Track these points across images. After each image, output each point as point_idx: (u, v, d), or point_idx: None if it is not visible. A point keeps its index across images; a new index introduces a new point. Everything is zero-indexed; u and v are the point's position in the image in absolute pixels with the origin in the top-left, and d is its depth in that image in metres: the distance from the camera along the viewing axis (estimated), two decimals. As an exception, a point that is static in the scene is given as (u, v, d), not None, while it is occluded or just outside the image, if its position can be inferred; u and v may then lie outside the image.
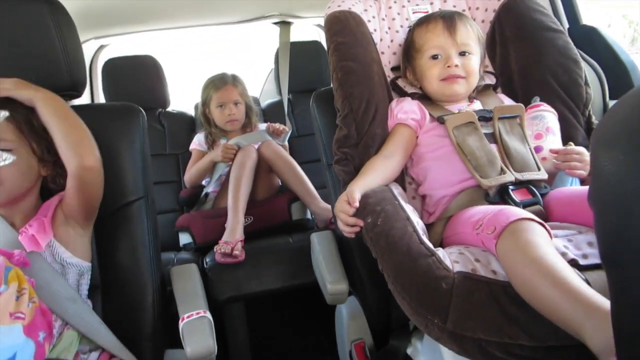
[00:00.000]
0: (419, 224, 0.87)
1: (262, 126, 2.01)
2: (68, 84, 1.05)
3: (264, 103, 2.39)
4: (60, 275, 0.92)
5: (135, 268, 1.05)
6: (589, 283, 0.70)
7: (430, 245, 0.80)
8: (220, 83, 1.94)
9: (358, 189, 0.96)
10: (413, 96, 1.13)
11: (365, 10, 1.19)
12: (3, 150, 0.87)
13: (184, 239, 1.79)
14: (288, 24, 2.08)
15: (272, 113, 2.26)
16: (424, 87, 1.12)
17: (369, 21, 1.18)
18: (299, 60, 2.15)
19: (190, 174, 1.92)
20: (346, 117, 1.06)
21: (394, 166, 1.06)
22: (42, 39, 1.00)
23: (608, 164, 0.38)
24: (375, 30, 1.19)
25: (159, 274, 1.09)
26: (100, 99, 2.28)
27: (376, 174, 1.02)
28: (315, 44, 2.32)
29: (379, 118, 1.09)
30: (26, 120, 0.91)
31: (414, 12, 1.25)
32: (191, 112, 2.27)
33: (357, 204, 0.92)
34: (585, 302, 0.62)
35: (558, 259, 0.68)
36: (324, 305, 1.32)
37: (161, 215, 1.96)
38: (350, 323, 1.23)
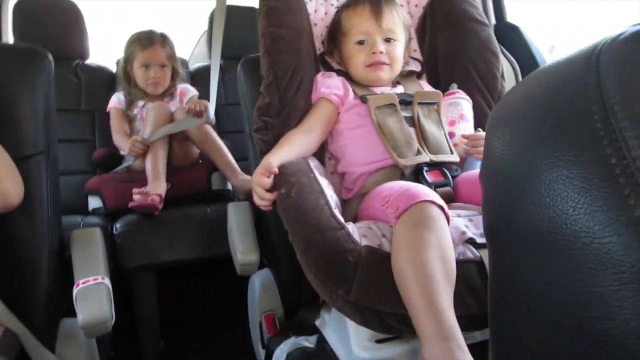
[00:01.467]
0: (332, 198, 0.87)
1: (187, 87, 1.93)
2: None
3: (193, 66, 2.28)
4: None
5: (30, 229, 0.97)
6: (482, 260, 0.74)
7: (341, 218, 0.81)
8: (148, 42, 1.81)
9: (274, 161, 0.94)
10: (339, 73, 1.13)
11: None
12: None
13: (94, 202, 1.69)
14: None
15: (200, 77, 2.16)
16: (349, 71, 1.12)
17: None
18: (234, 25, 2.06)
19: (116, 142, 1.82)
20: (270, 85, 1.04)
21: (313, 141, 1.06)
22: None
23: (497, 143, 0.40)
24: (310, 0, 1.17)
25: (57, 236, 1.02)
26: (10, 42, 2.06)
27: (293, 147, 1.01)
28: (252, 10, 2.24)
29: (303, 89, 1.08)
30: None
31: (351, -14, 1.23)
32: (113, 67, 2.12)
33: (275, 170, 0.91)
34: (440, 325, 0.66)
35: (437, 269, 0.70)
36: (238, 277, 1.30)
37: (71, 176, 1.84)
38: (262, 294, 1.23)
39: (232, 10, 2.05)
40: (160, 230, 1.49)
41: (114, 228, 1.51)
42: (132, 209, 1.49)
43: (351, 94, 1.08)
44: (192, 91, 1.94)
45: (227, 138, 1.86)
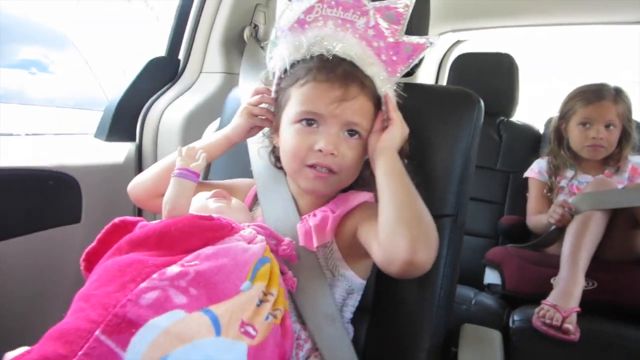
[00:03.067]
0: None
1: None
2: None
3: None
4: (327, 284, 0.72)
5: (416, 304, 0.77)
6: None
7: None
8: (594, 96, 1.44)
9: None
10: None
11: None
12: (352, 132, 0.71)
13: (491, 276, 1.42)
14: None
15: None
16: None
17: None
18: None
19: (529, 223, 1.50)
20: None
21: None
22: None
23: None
24: None
25: (445, 323, 0.78)
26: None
27: None
28: None
29: None
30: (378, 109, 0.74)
31: None
32: (540, 128, 1.83)
33: None
34: None
35: None
36: None
37: (470, 238, 1.66)
38: None
39: None
40: (576, 344, 1.06)
41: (512, 319, 1.19)
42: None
43: None
44: None
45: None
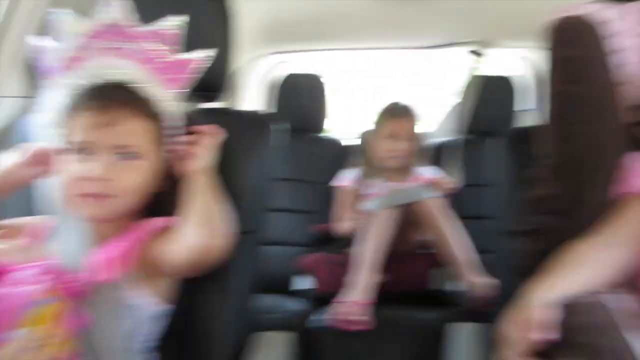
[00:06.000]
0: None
1: (426, 170, 1.70)
2: (201, 84, 0.87)
3: (436, 140, 2.06)
4: (123, 316, 0.69)
5: (212, 321, 0.81)
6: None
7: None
8: (399, 112, 1.66)
9: (553, 298, 0.61)
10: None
11: (610, 20, 0.79)
12: (127, 153, 0.69)
13: (302, 282, 1.53)
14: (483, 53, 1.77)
15: (445, 153, 1.91)
16: None
17: (612, 36, 0.79)
18: (484, 97, 1.81)
19: (337, 229, 1.63)
20: (557, 170, 0.69)
21: (619, 262, 0.67)
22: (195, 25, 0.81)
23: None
24: (620, 49, 0.79)
25: (239, 336, 0.83)
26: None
27: (587, 270, 0.66)
28: (504, 80, 1.94)
29: (607, 179, 0.70)
30: (161, 128, 0.75)
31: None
32: (350, 141, 2.04)
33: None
34: None
35: None
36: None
37: (283, 247, 1.76)
38: None
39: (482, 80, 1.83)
40: (369, 332, 1.21)
41: (310, 320, 1.30)
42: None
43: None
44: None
45: (466, 225, 1.52)
